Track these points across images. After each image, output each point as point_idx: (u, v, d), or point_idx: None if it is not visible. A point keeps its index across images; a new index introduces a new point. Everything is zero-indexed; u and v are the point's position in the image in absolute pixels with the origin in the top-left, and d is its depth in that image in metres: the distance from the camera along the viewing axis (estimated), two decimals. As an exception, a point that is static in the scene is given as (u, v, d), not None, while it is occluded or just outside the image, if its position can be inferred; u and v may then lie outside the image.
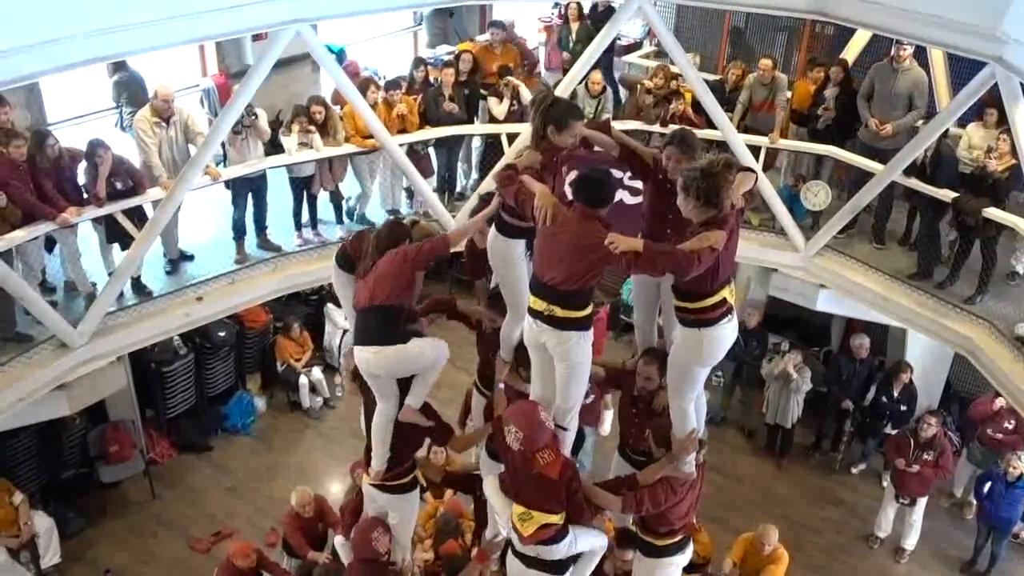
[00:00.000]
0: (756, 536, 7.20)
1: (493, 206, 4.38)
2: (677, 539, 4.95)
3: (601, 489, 4.57)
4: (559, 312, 4.00)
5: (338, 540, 5.95)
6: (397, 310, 4.43)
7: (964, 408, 9.46)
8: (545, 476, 4.15)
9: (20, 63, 5.49)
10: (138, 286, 7.67)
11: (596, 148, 4.50)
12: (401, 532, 5.30)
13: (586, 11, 10.05)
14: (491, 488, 4.67)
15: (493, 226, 4.57)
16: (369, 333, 4.44)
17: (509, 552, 4.77)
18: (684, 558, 5.10)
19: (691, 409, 4.42)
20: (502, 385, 4.89)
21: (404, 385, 4.67)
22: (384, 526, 5.07)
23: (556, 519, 4.30)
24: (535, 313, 4.08)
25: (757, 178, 4.16)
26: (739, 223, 3.99)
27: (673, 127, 7.17)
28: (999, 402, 8.62)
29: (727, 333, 4.10)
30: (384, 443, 4.78)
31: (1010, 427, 8.64)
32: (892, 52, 8.19)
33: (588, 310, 4.11)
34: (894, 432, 9.02)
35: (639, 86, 9.20)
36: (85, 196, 7.16)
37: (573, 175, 4.26)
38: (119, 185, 7.23)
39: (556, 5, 10.07)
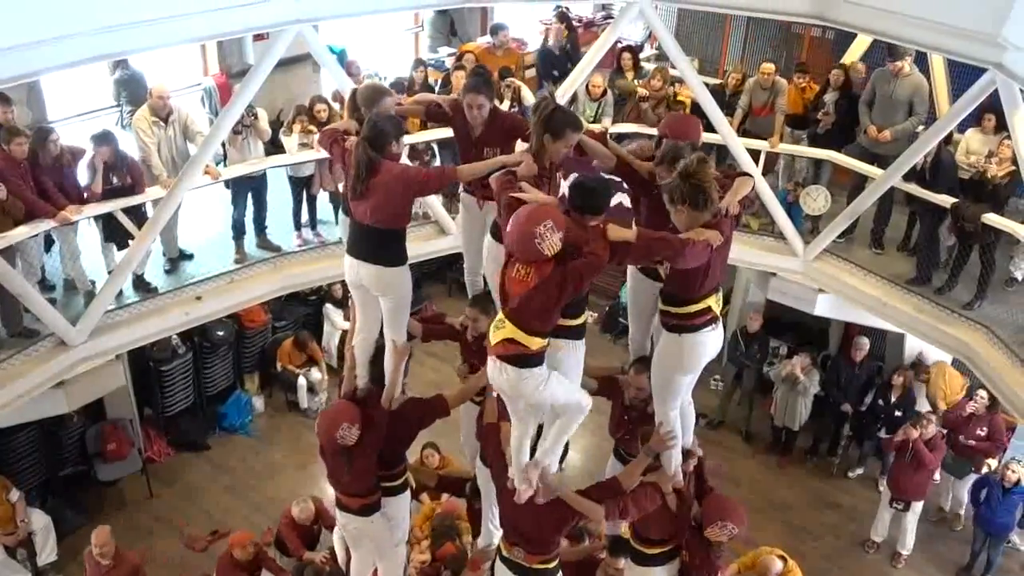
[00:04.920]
0: (758, 565, 7.00)
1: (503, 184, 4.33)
2: (667, 548, 4.94)
3: (583, 497, 4.39)
4: None
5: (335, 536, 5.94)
6: (398, 233, 4.44)
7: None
8: (504, 290, 3.81)
9: (23, 60, 5.50)
10: (140, 283, 7.66)
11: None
12: (397, 534, 5.28)
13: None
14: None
15: (489, 233, 4.58)
16: (365, 249, 4.45)
17: (498, 560, 4.73)
18: (673, 567, 5.08)
19: (674, 416, 4.39)
20: (495, 393, 4.88)
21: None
22: (353, 418, 4.75)
23: (527, 341, 3.74)
24: None
25: (755, 183, 4.14)
26: (732, 231, 3.96)
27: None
28: (971, 407, 8.64)
29: (709, 341, 4.07)
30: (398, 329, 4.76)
31: (982, 434, 8.64)
32: (887, 65, 8.20)
33: (582, 319, 4.09)
34: (888, 437, 9.02)
35: (635, 93, 9.21)
36: (86, 196, 7.14)
37: (571, 179, 4.22)
38: (116, 180, 7.21)
39: (557, 8, 10.07)
